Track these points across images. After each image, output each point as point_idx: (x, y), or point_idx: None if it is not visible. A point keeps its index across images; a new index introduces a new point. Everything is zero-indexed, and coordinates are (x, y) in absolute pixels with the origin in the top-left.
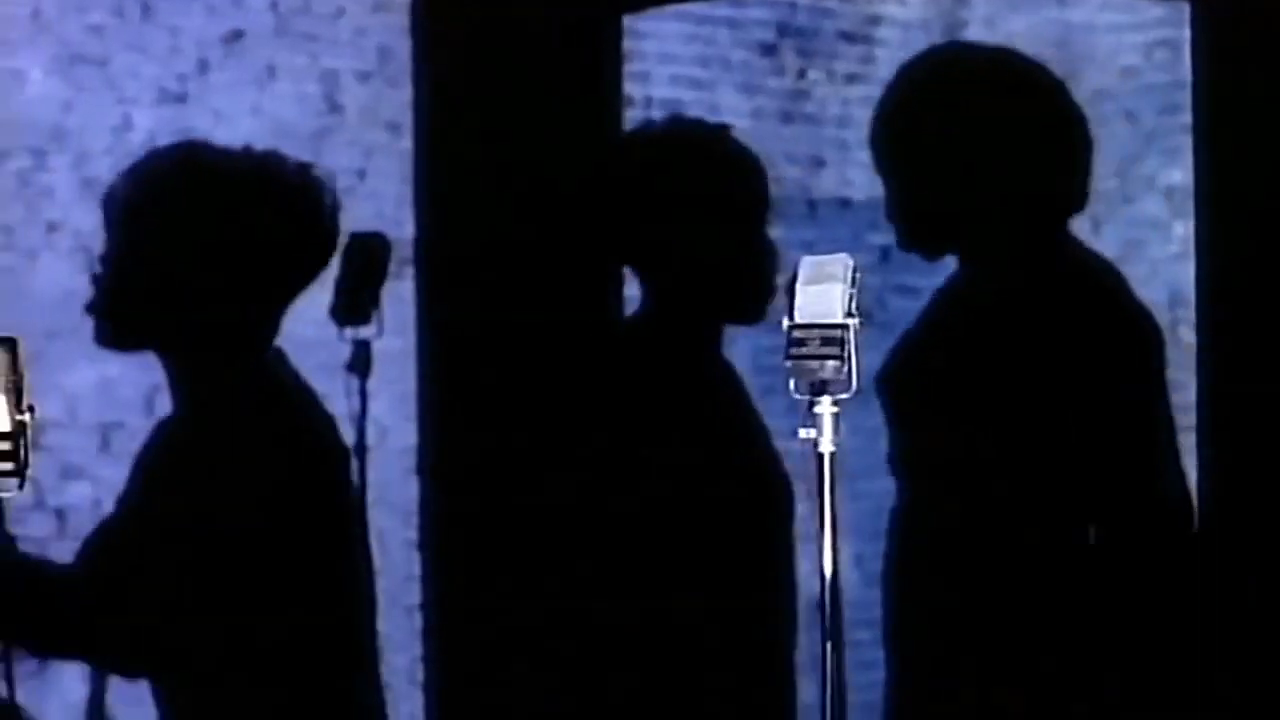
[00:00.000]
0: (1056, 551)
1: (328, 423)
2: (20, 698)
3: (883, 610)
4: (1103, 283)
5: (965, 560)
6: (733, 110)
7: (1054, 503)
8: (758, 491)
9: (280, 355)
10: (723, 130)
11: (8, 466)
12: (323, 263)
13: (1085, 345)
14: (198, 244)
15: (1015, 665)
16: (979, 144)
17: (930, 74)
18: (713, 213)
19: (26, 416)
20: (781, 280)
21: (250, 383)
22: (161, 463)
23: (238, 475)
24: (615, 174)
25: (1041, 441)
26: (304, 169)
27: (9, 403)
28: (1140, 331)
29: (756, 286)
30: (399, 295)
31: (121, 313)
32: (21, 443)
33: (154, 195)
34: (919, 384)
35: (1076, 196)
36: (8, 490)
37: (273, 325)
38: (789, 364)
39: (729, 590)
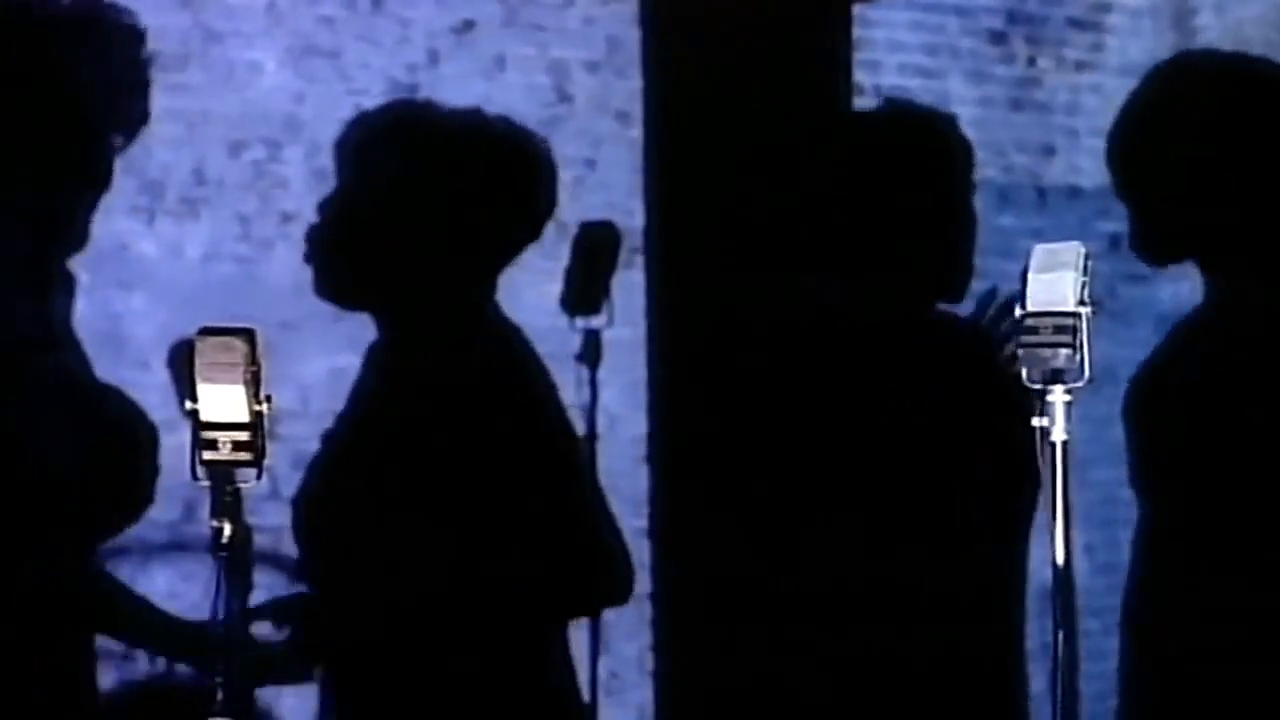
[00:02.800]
0: None
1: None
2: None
3: (1123, 608)
4: None
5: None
6: (961, 98)
7: None
8: (993, 479)
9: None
10: (940, 116)
11: (246, 456)
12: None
13: None
14: (417, 210)
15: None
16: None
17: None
18: (927, 198)
19: (264, 407)
20: (1014, 268)
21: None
22: (376, 429)
23: (452, 444)
24: (839, 162)
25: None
26: (523, 143)
27: (247, 393)
28: None
29: (957, 264)
30: (629, 284)
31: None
32: (259, 433)
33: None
34: (1173, 394)
35: None
36: (246, 480)
37: (482, 297)
38: (1021, 352)
39: (961, 577)
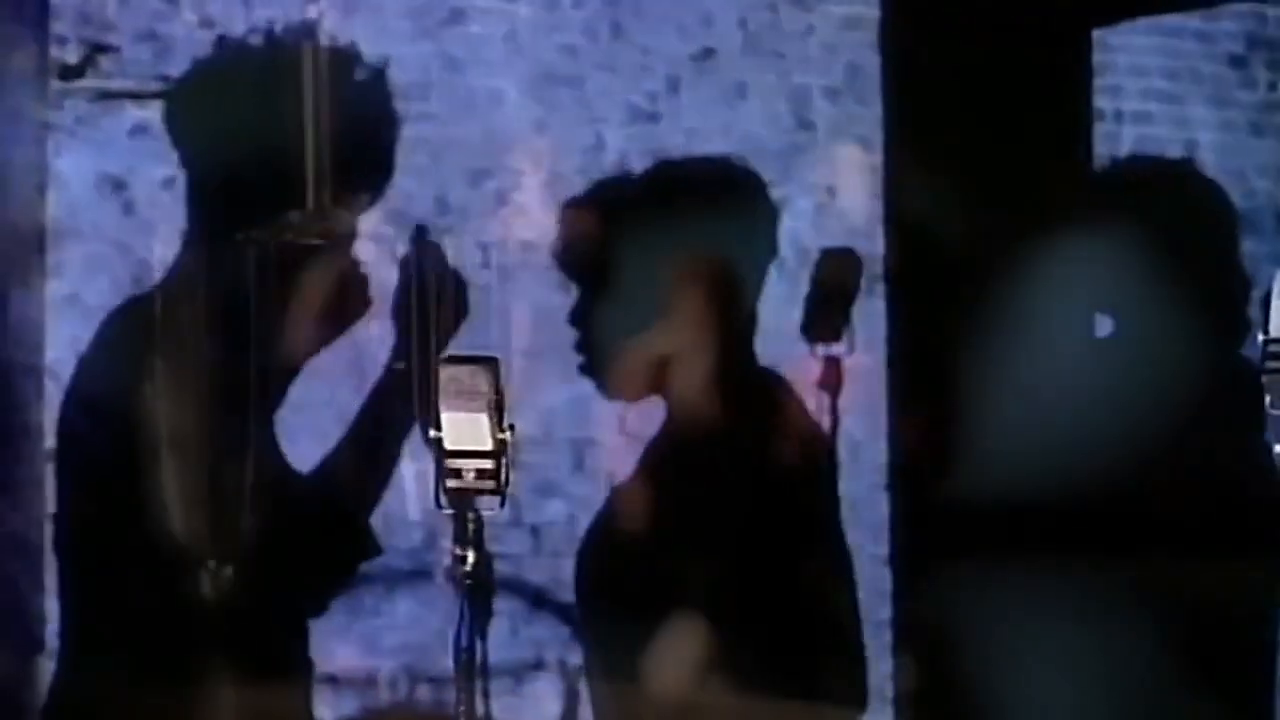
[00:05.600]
0: None
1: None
2: (496, 713)
3: None
4: None
5: None
6: (1202, 123)
7: None
8: (1243, 505)
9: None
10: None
11: (489, 484)
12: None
13: None
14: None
15: None
16: None
17: None
18: (1185, 231)
19: (507, 435)
20: (1256, 294)
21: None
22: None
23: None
24: (1088, 192)
25: None
26: None
27: (490, 421)
28: None
29: (1230, 308)
30: (870, 311)
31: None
32: (503, 461)
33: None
34: None
35: None
36: (489, 508)
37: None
38: (1265, 378)
39: (1231, 603)
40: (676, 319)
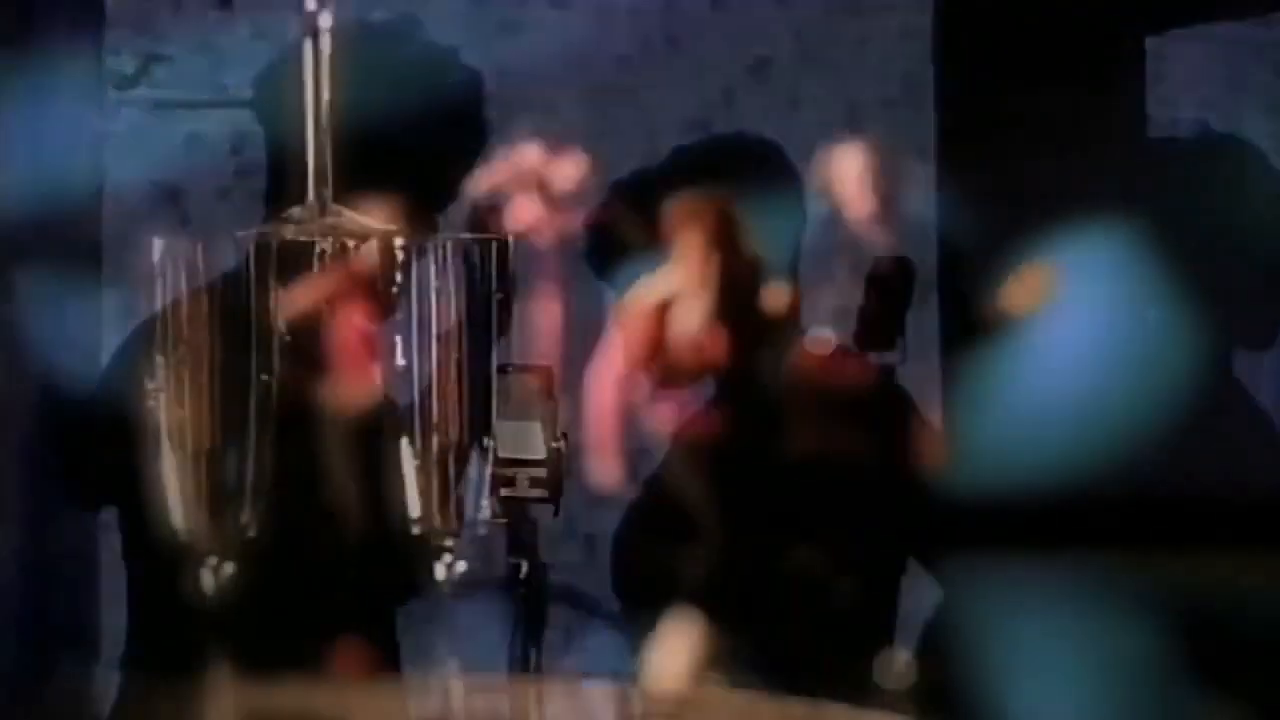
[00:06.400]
0: None
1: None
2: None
3: None
4: None
5: None
6: (1255, 134)
7: None
8: None
9: None
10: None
11: (543, 493)
12: None
13: None
14: None
15: None
16: None
17: None
18: (1239, 236)
19: (560, 444)
20: None
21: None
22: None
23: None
24: (1135, 197)
25: None
26: None
27: (544, 430)
28: None
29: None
30: (922, 321)
31: None
32: (556, 470)
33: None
34: None
35: None
36: (543, 517)
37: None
38: None
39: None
40: (679, 262)
